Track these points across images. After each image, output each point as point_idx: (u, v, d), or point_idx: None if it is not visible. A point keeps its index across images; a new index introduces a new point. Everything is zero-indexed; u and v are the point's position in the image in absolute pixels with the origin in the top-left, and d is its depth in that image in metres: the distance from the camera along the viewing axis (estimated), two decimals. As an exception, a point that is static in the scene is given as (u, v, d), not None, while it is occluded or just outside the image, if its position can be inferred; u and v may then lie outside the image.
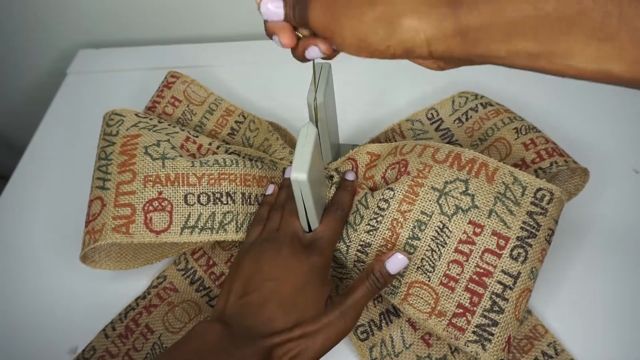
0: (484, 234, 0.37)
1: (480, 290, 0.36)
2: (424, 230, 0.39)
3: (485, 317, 0.36)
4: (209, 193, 0.43)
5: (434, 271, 0.38)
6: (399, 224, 0.39)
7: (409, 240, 0.39)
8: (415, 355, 0.41)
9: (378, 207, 0.40)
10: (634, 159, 0.52)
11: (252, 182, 0.45)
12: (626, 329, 0.42)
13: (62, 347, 0.45)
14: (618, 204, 0.49)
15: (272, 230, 0.41)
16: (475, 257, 0.37)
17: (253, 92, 0.63)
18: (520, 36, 0.25)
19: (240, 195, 0.44)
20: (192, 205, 0.42)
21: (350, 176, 0.44)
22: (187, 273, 0.48)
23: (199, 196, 0.43)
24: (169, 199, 0.42)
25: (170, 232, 0.41)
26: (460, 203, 0.38)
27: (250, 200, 0.45)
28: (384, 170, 0.43)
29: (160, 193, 0.42)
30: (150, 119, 0.47)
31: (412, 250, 0.39)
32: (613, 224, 0.48)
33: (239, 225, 0.44)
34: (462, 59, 0.27)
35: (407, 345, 0.41)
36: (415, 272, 0.38)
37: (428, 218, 0.39)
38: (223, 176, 0.44)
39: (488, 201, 0.38)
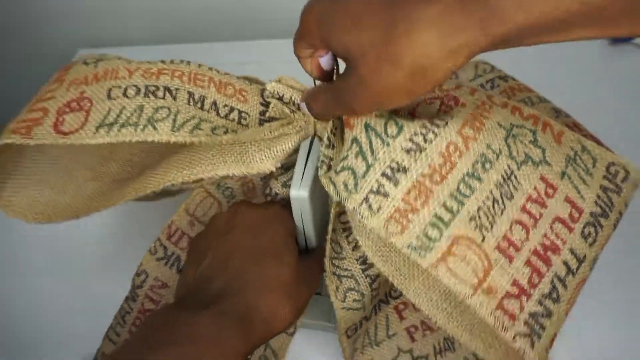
0: (557, 198, 0.29)
1: (543, 268, 0.28)
2: (489, 170, 0.28)
3: (541, 304, 0.27)
4: (141, 86, 0.33)
5: (491, 229, 0.27)
6: (458, 151, 0.28)
7: (467, 178, 0.28)
8: (397, 347, 0.37)
9: (429, 121, 0.29)
10: (637, 161, 0.52)
11: (207, 84, 0.35)
12: (626, 326, 0.43)
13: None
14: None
15: None
16: (545, 223, 0.29)
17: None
18: (576, 26, 0.22)
19: (187, 94, 0.33)
20: (115, 99, 0.32)
21: None
22: (170, 260, 0.41)
23: (125, 89, 0.32)
24: (90, 97, 0.32)
25: (82, 132, 0.31)
26: (530, 152, 0.30)
27: (202, 105, 0.34)
28: (414, 106, 0.32)
29: (82, 93, 0.32)
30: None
31: (467, 193, 0.28)
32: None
33: (178, 126, 0.32)
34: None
35: (390, 335, 0.37)
36: (466, 223, 0.27)
37: (495, 156, 0.29)
38: (164, 71, 0.34)
39: (559, 161, 0.30)
